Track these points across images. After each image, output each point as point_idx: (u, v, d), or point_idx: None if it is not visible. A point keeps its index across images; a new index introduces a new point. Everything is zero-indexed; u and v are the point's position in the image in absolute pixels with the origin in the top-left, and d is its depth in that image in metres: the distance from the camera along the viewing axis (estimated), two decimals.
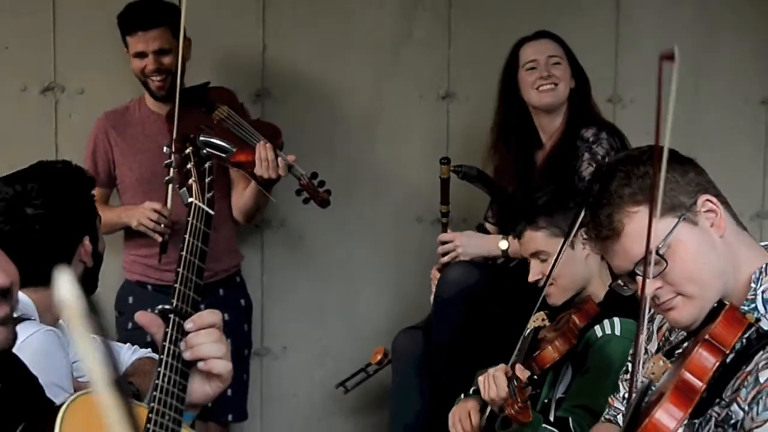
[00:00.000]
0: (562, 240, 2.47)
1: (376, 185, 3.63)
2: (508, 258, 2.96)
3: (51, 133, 3.34)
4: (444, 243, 3.06)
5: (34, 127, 3.32)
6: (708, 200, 1.65)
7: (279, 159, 3.02)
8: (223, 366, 1.49)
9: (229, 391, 3.23)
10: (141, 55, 3.10)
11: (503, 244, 2.94)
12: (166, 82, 3.11)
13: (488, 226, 3.20)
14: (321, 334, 3.67)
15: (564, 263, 2.47)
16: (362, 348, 3.46)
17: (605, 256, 1.74)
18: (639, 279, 1.64)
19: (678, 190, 1.65)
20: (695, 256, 1.63)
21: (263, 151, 3.01)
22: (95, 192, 3.14)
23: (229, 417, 3.32)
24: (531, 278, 2.55)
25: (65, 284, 0.76)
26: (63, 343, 2.12)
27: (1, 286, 1.38)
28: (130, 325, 3.16)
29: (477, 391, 2.55)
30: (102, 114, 3.23)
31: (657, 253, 1.60)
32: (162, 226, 3.04)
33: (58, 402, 1.50)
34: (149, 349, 2.38)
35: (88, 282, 2.22)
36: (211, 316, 1.52)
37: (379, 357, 3.25)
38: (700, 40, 3.81)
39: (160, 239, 3.07)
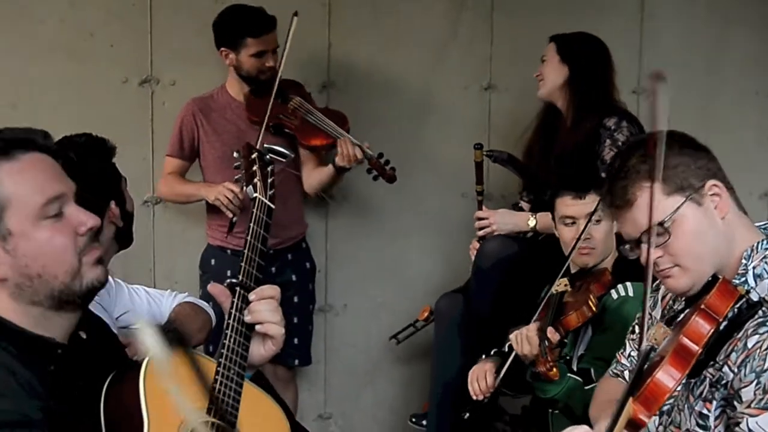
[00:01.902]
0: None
1: (425, 165, 3.64)
2: (536, 233, 2.97)
3: (147, 118, 3.41)
4: (480, 219, 3.09)
5: (133, 112, 3.38)
6: (714, 185, 1.65)
7: (357, 148, 3.11)
8: (277, 330, 1.56)
9: (296, 340, 3.32)
10: (260, 54, 3.15)
11: (532, 221, 2.96)
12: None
13: (523, 204, 3.21)
14: (377, 294, 3.72)
15: (607, 233, 2.52)
16: (412, 305, 3.50)
17: (618, 223, 1.73)
18: (643, 246, 1.64)
19: (688, 173, 1.64)
20: (695, 232, 1.62)
21: (345, 147, 3.10)
22: (177, 164, 3.25)
23: (296, 362, 3.39)
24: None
25: (150, 341, 0.73)
26: (105, 303, 2.11)
27: (95, 226, 1.41)
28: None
29: (497, 353, 2.60)
30: (190, 99, 3.27)
31: (662, 225, 1.61)
32: (234, 206, 3.08)
33: None
34: (187, 293, 2.41)
35: (122, 240, 2.19)
36: (270, 290, 1.58)
37: (426, 314, 3.28)
38: (714, 35, 3.77)
39: (230, 216, 3.10)
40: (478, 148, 3.07)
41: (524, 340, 2.29)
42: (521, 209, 3.19)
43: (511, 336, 2.37)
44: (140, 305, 2.31)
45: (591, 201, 2.52)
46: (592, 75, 2.99)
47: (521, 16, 3.64)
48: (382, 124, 3.58)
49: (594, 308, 2.41)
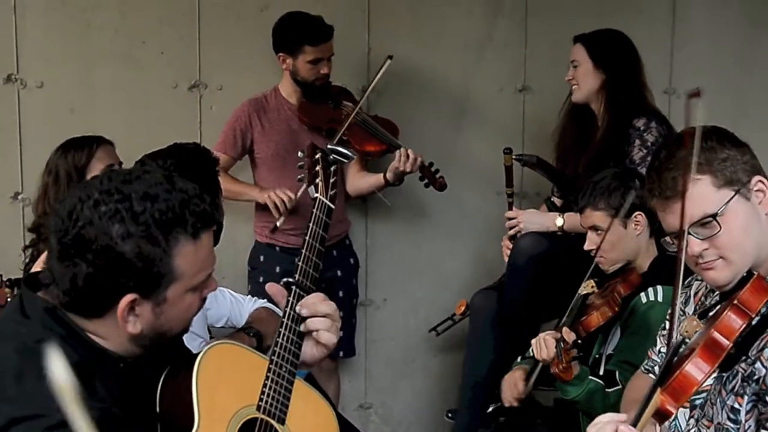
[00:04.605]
0: (616, 218, 2.43)
1: (462, 164, 3.62)
2: (564, 233, 2.93)
3: (196, 121, 3.43)
4: (510, 219, 3.07)
5: (182, 116, 3.40)
6: (760, 181, 1.61)
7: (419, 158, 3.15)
8: (328, 337, 1.56)
9: (341, 332, 3.34)
10: (317, 61, 3.17)
11: (559, 221, 2.93)
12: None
13: (555, 199, 3.19)
14: (415, 289, 3.71)
15: (615, 240, 2.45)
16: (449, 301, 3.48)
17: (663, 213, 1.65)
18: (689, 238, 1.58)
19: (737, 167, 1.60)
20: (743, 227, 1.59)
21: (405, 155, 3.15)
22: (224, 159, 3.26)
23: (341, 353, 3.41)
24: (586, 247, 2.52)
25: (57, 366, 0.66)
26: None
27: (215, 290, 1.47)
28: (261, 279, 3.26)
29: (526, 358, 2.56)
30: (246, 101, 3.29)
31: (714, 218, 1.57)
32: (285, 208, 3.12)
33: (194, 348, 1.57)
34: (265, 300, 2.43)
35: None
36: (324, 303, 1.58)
37: (462, 308, 3.27)
38: (745, 35, 3.69)
39: (277, 216, 3.13)
40: (507, 153, 3.07)
41: (541, 344, 2.26)
42: (554, 203, 3.16)
43: (533, 342, 2.32)
44: (224, 305, 2.37)
45: (588, 215, 2.50)
46: (628, 78, 2.94)
47: (555, 19, 3.60)
48: (420, 125, 3.57)
49: (616, 308, 2.36)
